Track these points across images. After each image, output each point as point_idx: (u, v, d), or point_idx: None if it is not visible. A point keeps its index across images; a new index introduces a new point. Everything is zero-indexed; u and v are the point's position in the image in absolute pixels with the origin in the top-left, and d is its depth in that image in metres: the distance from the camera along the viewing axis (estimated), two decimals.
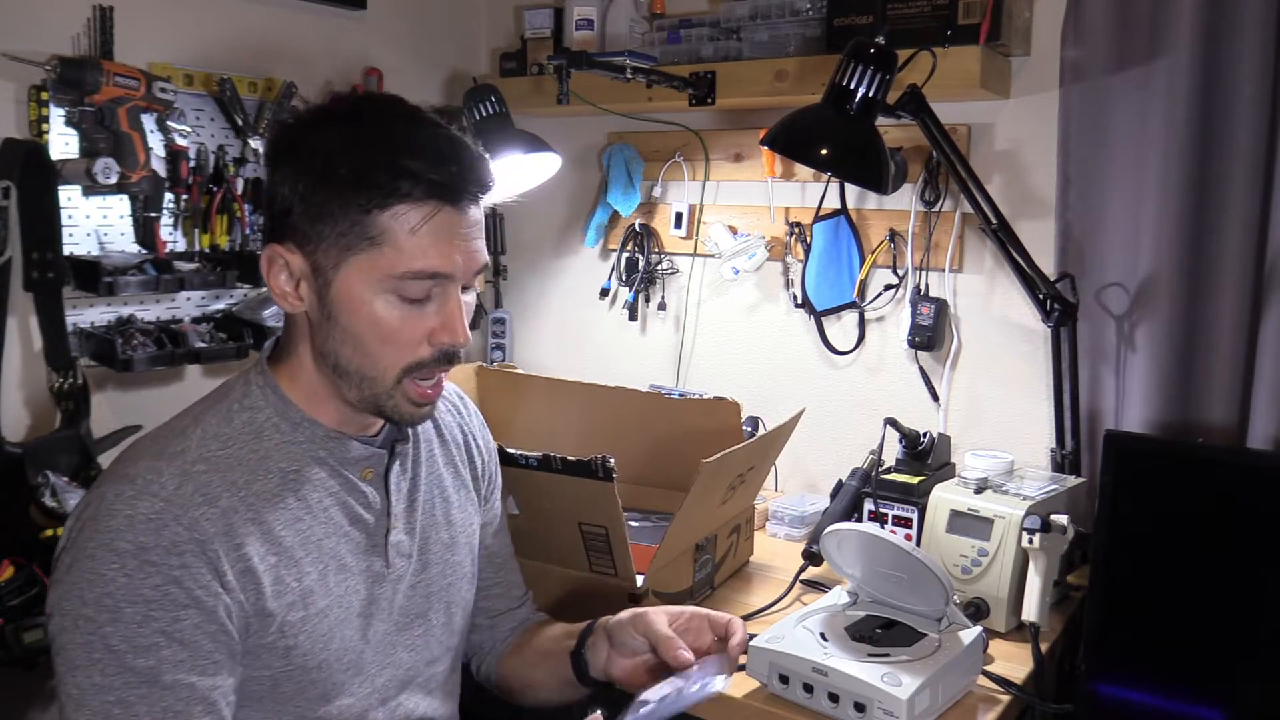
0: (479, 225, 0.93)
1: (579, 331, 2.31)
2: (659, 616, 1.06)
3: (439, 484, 1.10)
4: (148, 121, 1.63)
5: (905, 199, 1.82)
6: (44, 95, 1.54)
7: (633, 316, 2.18)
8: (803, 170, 1.94)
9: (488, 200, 0.95)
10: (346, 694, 0.97)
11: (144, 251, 1.66)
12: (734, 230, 2.03)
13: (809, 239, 1.93)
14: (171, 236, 1.72)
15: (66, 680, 0.83)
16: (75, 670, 0.82)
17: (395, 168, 0.86)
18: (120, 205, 1.66)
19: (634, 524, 1.61)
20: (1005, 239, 1.53)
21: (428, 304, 0.91)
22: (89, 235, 1.64)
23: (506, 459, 1.30)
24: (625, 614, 1.10)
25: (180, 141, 1.68)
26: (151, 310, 1.72)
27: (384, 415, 0.96)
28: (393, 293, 0.89)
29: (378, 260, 0.88)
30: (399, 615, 1.03)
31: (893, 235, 1.85)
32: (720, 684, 0.99)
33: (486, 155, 0.95)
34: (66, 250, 1.57)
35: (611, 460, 1.25)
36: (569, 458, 1.27)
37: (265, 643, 0.90)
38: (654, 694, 0.97)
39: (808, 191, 1.96)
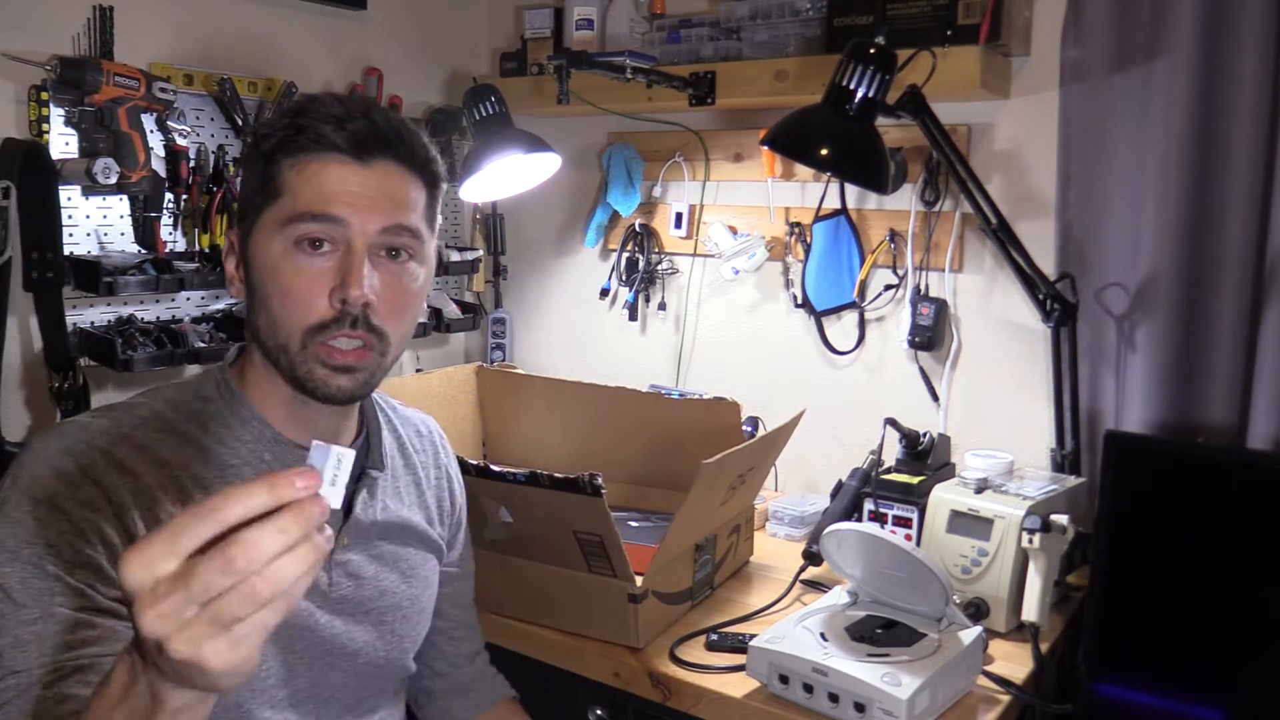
0: (394, 184, 0.92)
1: (579, 332, 2.31)
2: None
3: (404, 519, 1.08)
4: (148, 121, 1.63)
5: (905, 199, 1.82)
6: (44, 95, 1.54)
7: (633, 316, 2.18)
8: (803, 170, 1.94)
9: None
10: (268, 706, 0.93)
11: (144, 251, 1.66)
12: (734, 230, 2.03)
13: (809, 239, 1.93)
14: (171, 236, 1.72)
15: None
16: None
17: (298, 125, 0.90)
18: (120, 205, 1.66)
19: (634, 524, 1.61)
20: (1005, 239, 1.53)
21: (326, 258, 0.89)
22: (89, 235, 1.64)
23: (493, 476, 1.29)
24: None
25: (180, 141, 1.68)
26: (151, 310, 1.72)
27: (303, 388, 0.91)
28: (290, 241, 0.89)
29: (278, 210, 0.90)
30: (340, 637, 1.00)
31: (893, 235, 1.85)
32: None
33: (416, 129, 0.95)
34: (66, 250, 1.57)
35: (599, 478, 1.23)
36: (556, 475, 1.26)
37: None
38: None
39: (808, 191, 1.96)
